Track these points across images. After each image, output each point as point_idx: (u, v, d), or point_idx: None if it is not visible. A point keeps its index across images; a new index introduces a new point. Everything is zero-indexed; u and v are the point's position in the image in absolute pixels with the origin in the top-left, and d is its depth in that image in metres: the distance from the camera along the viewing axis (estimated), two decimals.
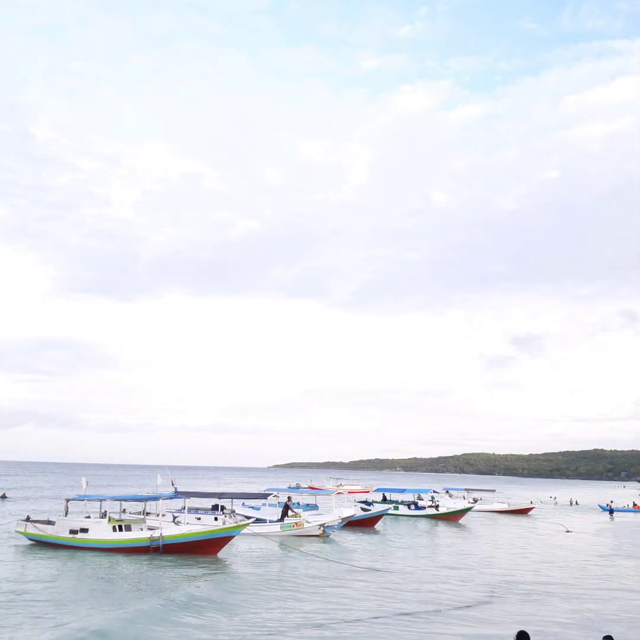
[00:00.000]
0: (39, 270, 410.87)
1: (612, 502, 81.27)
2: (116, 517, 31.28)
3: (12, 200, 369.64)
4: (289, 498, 42.68)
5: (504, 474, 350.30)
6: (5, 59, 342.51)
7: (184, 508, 33.56)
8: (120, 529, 29.29)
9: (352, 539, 38.76)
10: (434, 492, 66.91)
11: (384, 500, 61.72)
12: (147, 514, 32.58)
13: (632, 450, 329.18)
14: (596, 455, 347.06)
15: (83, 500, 32.93)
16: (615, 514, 71.50)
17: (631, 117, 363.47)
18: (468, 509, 58.56)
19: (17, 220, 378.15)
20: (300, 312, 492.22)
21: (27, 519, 31.95)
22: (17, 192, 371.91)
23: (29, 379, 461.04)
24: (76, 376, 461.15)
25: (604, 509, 76.99)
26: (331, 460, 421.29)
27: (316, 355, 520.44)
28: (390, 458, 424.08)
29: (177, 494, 35.55)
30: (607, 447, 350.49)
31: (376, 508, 51.66)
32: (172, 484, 39.41)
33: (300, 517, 39.02)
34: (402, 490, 64.09)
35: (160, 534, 28.44)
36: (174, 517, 33.37)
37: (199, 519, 35.68)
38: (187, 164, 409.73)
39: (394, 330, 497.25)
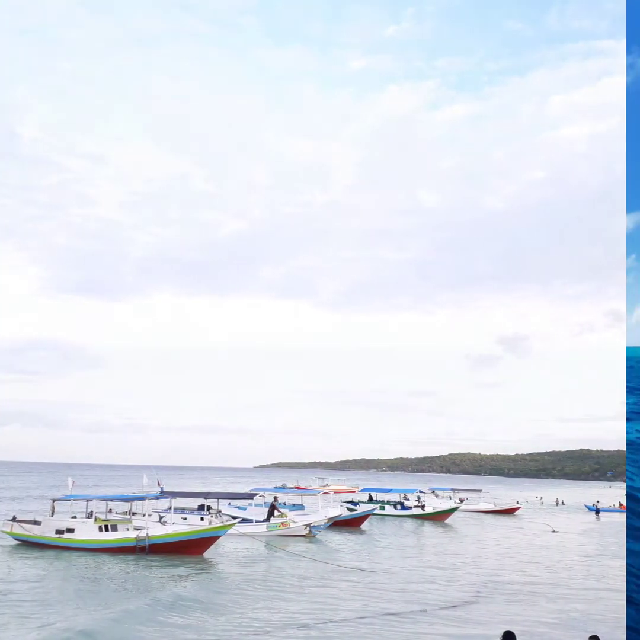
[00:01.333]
0: (27, 270, 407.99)
1: (598, 502, 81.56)
2: (102, 517, 31.15)
3: None
4: (275, 498, 42.63)
5: (490, 474, 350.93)
6: None
7: (170, 508, 33.50)
8: (107, 529, 29.21)
9: (338, 539, 38.78)
10: (420, 492, 66.92)
11: (370, 500, 61.78)
12: (133, 514, 32.43)
13: (618, 450, 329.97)
14: (582, 455, 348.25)
15: (69, 500, 32.84)
16: (601, 514, 71.82)
17: (618, 117, 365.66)
18: (454, 509, 58.71)
19: (4, 220, 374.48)
20: (289, 312, 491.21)
21: (13, 519, 31.83)
22: (4, 192, 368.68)
23: (16, 379, 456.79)
24: (63, 376, 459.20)
25: (590, 509, 77.39)
26: (317, 460, 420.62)
27: (303, 355, 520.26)
28: (377, 458, 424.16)
29: (163, 494, 35.47)
30: (594, 447, 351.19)
31: (362, 508, 51.74)
32: (158, 484, 39.29)
33: (286, 517, 39.03)
34: (388, 490, 64.23)
35: (147, 534, 28.38)
36: (160, 517, 33.23)
37: (185, 519, 35.54)
38: (175, 164, 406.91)
39: (382, 330, 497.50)
